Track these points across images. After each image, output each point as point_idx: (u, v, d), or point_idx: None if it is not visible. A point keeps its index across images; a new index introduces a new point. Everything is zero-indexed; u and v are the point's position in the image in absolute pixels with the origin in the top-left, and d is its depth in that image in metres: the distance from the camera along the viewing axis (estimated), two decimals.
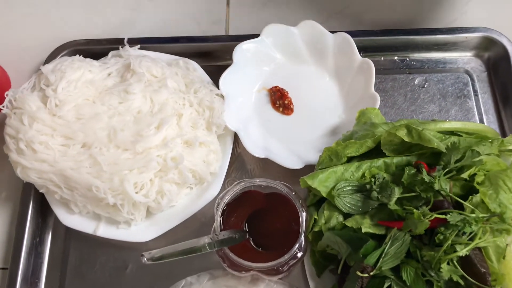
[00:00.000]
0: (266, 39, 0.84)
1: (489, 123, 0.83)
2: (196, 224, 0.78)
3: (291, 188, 0.66)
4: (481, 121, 0.83)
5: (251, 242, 0.67)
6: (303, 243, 0.64)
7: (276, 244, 0.63)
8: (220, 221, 0.66)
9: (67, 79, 0.75)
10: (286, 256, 0.61)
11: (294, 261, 0.65)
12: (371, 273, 0.58)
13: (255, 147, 0.78)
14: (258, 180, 0.67)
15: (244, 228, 0.68)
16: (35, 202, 0.78)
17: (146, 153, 0.71)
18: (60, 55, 0.88)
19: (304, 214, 0.65)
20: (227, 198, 0.66)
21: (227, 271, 0.70)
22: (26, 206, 0.78)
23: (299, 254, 0.64)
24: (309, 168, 0.73)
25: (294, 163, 0.76)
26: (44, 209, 0.79)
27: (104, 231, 0.74)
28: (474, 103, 0.85)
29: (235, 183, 0.67)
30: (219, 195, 0.69)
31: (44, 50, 0.89)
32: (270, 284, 0.71)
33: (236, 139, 0.80)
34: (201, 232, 0.76)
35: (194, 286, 0.71)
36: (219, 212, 0.65)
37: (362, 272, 0.58)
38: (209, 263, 0.73)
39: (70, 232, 0.78)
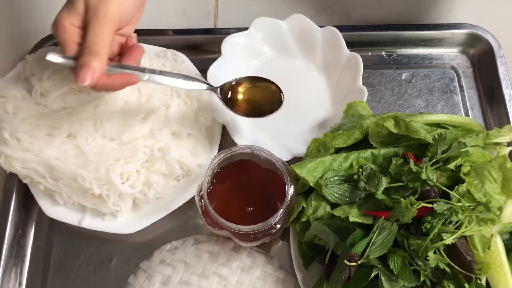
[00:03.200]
0: (255, 32, 0.84)
1: (474, 117, 0.84)
2: (183, 216, 0.77)
3: (286, 165, 0.67)
4: (467, 116, 0.84)
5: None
6: (282, 218, 0.65)
7: (261, 208, 0.65)
8: (213, 175, 0.69)
9: (53, 68, 0.73)
10: (260, 225, 0.62)
11: (270, 231, 0.66)
12: (359, 262, 0.58)
13: (243, 139, 0.78)
14: (257, 148, 0.68)
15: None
16: (18, 194, 0.77)
17: (132, 143, 0.71)
18: (46, 46, 0.87)
19: (291, 190, 0.66)
20: (223, 156, 0.68)
21: (211, 237, 0.73)
22: (8, 198, 0.76)
23: (278, 226, 0.66)
24: (297, 160, 0.73)
25: (282, 155, 0.76)
26: (27, 201, 0.77)
27: (89, 222, 0.73)
28: (460, 98, 0.86)
29: (236, 146, 0.69)
30: None
31: (29, 40, 0.88)
32: (252, 253, 0.72)
33: (224, 131, 0.80)
34: (188, 225, 0.76)
35: (179, 250, 0.73)
36: (214, 165, 0.68)
37: (349, 261, 0.58)
38: (193, 230, 0.76)
39: (54, 224, 0.77)
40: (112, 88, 0.61)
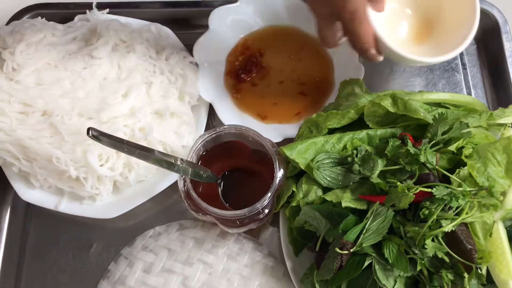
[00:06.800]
0: (246, 5, 0.79)
1: (477, 97, 0.79)
2: (167, 201, 0.73)
3: (275, 146, 0.63)
4: (469, 95, 0.80)
5: (221, 196, 0.64)
6: (270, 202, 0.61)
7: (248, 193, 0.61)
8: (198, 157, 0.64)
9: (27, 42, 0.69)
10: (246, 210, 0.59)
11: (257, 217, 0.62)
12: (351, 250, 0.54)
13: (231, 119, 0.73)
14: (244, 128, 0.63)
15: (219, 180, 0.65)
16: None
17: (111, 122, 0.66)
18: (23, 18, 0.81)
19: (280, 173, 0.61)
20: (208, 136, 0.63)
21: (197, 223, 0.69)
22: None
23: (266, 211, 0.62)
24: (288, 142, 0.69)
25: (272, 136, 0.71)
26: (1, 184, 0.72)
27: (67, 206, 0.69)
28: (462, 77, 0.81)
29: (221, 126, 0.64)
30: None
31: (5, 12, 0.82)
32: (239, 239, 0.69)
33: (211, 110, 0.75)
34: (173, 209, 0.73)
35: (162, 236, 0.69)
36: (197, 146, 0.63)
37: (341, 249, 0.54)
38: (178, 215, 0.72)
39: (31, 208, 0.73)
40: None
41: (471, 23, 0.66)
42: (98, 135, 0.49)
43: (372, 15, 0.60)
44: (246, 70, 0.78)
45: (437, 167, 0.58)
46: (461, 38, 0.66)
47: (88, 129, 0.48)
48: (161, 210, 0.73)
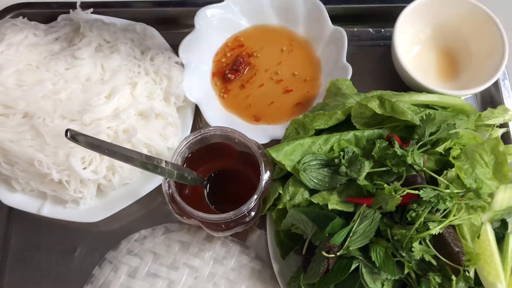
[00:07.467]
0: (232, 4, 0.78)
1: (465, 99, 0.78)
2: (152, 204, 0.72)
3: (261, 148, 0.62)
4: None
5: (206, 199, 0.64)
6: (256, 205, 0.60)
7: (234, 195, 0.60)
8: (183, 160, 0.63)
9: (8, 42, 0.67)
10: (232, 214, 0.58)
11: (243, 220, 0.61)
12: (338, 253, 0.53)
13: (218, 120, 0.72)
14: (229, 130, 0.62)
15: (205, 182, 0.64)
16: None
17: (95, 124, 0.65)
18: (4, 18, 0.79)
19: (266, 175, 0.60)
20: (192, 138, 0.62)
21: (183, 226, 0.68)
22: None
23: (252, 214, 0.61)
24: (276, 143, 0.68)
25: (259, 138, 0.70)
26: None
27: (50, 210, 0.68)
28: None
29: (206, 128, 0.63)
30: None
31: None
32: (226, 242, 0.68)
33: (197, 111, 0.74)
34: (158, 212, 0.71)
35: (148, 239, 0.68)
36: (181, 148, 0.62)
37: (328, 252, 0.53)
38: (164, 218, 0.70)
39: (13, 213, 0.71)
40: None
41: (499, 60, 0.71)
42: (76, 136, 0.48)
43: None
44: (233, 70, 0.77)
45: (424, 168, 0.57)
46: (488, 74, 0.71)
47: (67, 130, 0.47)
48: (146, 213, 0.71)
